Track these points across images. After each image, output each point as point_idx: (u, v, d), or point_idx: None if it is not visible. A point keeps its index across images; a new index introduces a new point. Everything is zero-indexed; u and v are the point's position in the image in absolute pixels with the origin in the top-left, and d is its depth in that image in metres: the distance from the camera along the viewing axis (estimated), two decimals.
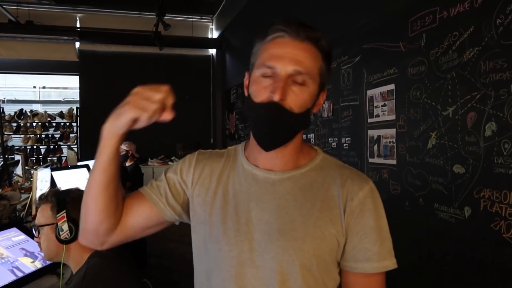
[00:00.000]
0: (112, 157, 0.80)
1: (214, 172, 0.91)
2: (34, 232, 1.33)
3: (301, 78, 0.78)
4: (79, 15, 6.34)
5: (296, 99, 0.78)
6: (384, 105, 2.29)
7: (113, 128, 0.76)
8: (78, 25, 6.33)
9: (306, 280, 0.79)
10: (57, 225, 1.24)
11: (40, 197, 1.34)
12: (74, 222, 1.26)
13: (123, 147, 4.69)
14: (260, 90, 0.79)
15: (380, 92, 2.32)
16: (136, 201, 0.90)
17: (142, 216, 0.89)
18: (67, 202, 1.28)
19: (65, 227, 1.23)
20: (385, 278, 0.84)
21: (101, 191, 0.81)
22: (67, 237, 1.24)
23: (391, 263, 0.83)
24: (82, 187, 1.53)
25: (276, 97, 0.76)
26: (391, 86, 2.22)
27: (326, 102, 2.98)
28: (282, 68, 0.77)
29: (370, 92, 2.43)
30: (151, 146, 6.50)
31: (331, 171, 0.87)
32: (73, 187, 1.40)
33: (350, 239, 0.82)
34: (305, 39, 0.79)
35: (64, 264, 1.31)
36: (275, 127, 0.79)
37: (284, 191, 0.84)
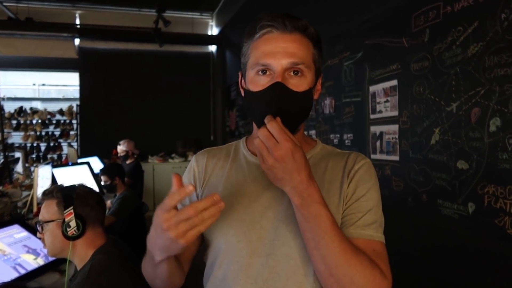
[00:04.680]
0: (172, 263, 0.81)
1: (215, 168, 0.93)
2: (38, 228, 1.32)
3: (297, 69, 0.79)
4: (78, 12, 6.31)
5: (293, 87, 0.78)
6: (387, 101, 2.28)
7: (166, 254, 0.74)
8: (77, 22, 6.32)
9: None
10: (63, 221, 1.24)
11: (44, 192, 1.34)
12: (81, 218, 1.25)
13: (122, 147, 4.68)
14: (258, 88, 0.80)
15: (383, 88, 2.31)
16: None
17: (191, 249, 0.92)
18: (73, 198, 1.27)
19: (73, 223, 1.22)
20: (380, 250, 0.80)
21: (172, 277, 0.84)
22: (75, 233, 1.23)
23: (376, 235, 0.81)
24: (85, 183, 1.52)
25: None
26: (394, 82, 2.21)
27: (327, 98, 2.97)
28: (277, 64, 0.78)
29: (372, 88, 2.42)
30: (151, 143, 6.51)
31: (332, 156, 0.91)
32: (78, 183, 1.40)
33: (344, 209, 0.83)
34: (293, 30, 0.79)
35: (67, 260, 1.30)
36: (284, 106, 0.77)
37: None
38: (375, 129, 2.41)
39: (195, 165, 0.95)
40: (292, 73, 0.78)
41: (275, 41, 0.79)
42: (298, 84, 0.78)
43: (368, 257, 0.74)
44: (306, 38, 0.81)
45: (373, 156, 2.41)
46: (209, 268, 0.89)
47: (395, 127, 2.21)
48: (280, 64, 0.77)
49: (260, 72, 0.80)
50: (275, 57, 0.78)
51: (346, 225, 0.81)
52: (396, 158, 2.21)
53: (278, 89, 0.76)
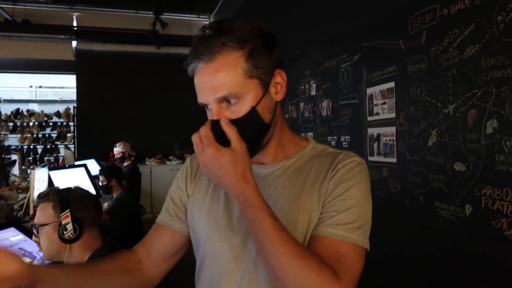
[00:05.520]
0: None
1: None
2: (33, 231, 1.31)
3: (229, 98, 0.75)
4: (75, 14, 6.30)
5: (233, 115, 0.76)
6: (384, 103, 2.28)
7: None
8: (75, 24, 6.30)
9: None
10: (60, 224, 1.23)
11: (39, 195, 1.33)
12: (77, 221, 1.25)
13: (119, 149, 4.67)
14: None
15: (380, 90, 2.32)
16: (157, 235, 0.93)
17: (167, 246, 0.92)
18: (70, 201, 1.26)
19: (70, 226, 1.22)
20: (346, 253, 0.75)
21: None
22: (72, 236, 1.23)
23: (347, 235, 0.75)
24: (82, 186, 1.51)
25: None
26: (391, 84, 2.21)
27: (325, 100, 2.98)
28: (207, 102, 0.77)
29: (369, 90, 2.43)
30: (148, 146, 6.49)
31: (321, 156, 0.87)
32: (73, 186, 1.39)
33: (321, 207, 0.80)
34: (213, 54, 0.74)
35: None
36: (226, 141, 0.74)
37: (272, 182, 0.85)
38: (372, 131, 2.41)
39: (189, 164, 0.97)
40: (227, 102, 0.76)
41: (202, 76, 0.77)
42: (237, 110, 0.76)
43: (319, 259, 0.70)
44: (230, 53, 0.75)
45: (370, 158, 2.42)
46: (198, 272, 0.90)
47: (392, 129, 2.21)
48: (209, 101, 0.76)
49: (205, 108, 0.80)
50: (204, 95, 0.77)
51: (318, 223, 0.78)
52: (393, 160, 2.21)
53: (215, 126, 0.74)
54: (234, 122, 0.74)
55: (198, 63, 0.76)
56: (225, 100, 0.75)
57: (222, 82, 0.74)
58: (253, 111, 0.76)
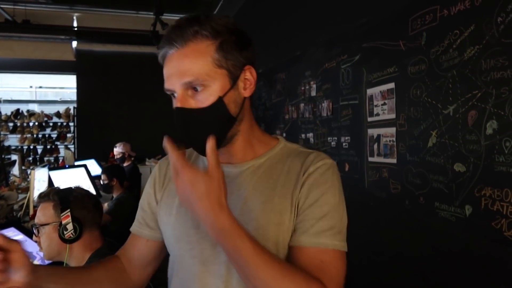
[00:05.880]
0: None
1: None
2: (34, 231, 1.31)
3: (195, 85, 0.75)
4: (76, 14, 6.31)
5: (198, 104, 0.75)
6: (384, 104, 2.28)
7: None
8: (75, 24, 6.31)
9: None
10: (61, 224, 1.23)
11: (40, 195, 1.33)
12: (77, 221, 1.25)
13: (119, 149, 4.67)
14: None
15: (380, 91, 2.32)
16: (133, 243, 0.94)
17: (144, 253, 0.93)
18: (70, 201, 1.27)
19: (70, 226, 1.22)
20: (330, 260, 0.76)
21: None
22: (72, 236, 1.23)
23: (330, 243, 0.76)
24: (82, 186, 1.52)
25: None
26: (391, 85, 2.22)
27: (325, 101, 2.98)
28: (173, 88, 0.76)
29: (370, 91, 2.43)
30: (148, 146, 6.48)
31: (291, 157, 0.86)
32: (74, 186, 1.39)
33: (298, 215, 0.79)
34: (185, 41, 0.74)
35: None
36: (193, 128, 0.75)
37: (243, 182, 0.83)
38: (372, 132, 2.41)
39: (157, 171, 0.95)
40: (193, 90, 0.75)
41: (171, 62, 0.76)
42: (203, 99, 0.75)
43: (305, 274, 0.70)
44: (204, 41, 0.74)
45: (370, 159, 2.42)
46: (170, 276, 0.90)
47: (392, 130, 2.22)
48: (175, 87, 0.75)
49: (171, 96, 0.79)
50: (170, 81, 0.76)
51: (299, 233, 0.77)
52: (393, 161, 2.21)
53: (179, 115, 0.74)
54: (199, 111, 0.74)
55: (170, 48, 0.76)
56: (192, 87, 0.75)
57: (189, 68, 0.74)
58: (219, 101, 0.75)
